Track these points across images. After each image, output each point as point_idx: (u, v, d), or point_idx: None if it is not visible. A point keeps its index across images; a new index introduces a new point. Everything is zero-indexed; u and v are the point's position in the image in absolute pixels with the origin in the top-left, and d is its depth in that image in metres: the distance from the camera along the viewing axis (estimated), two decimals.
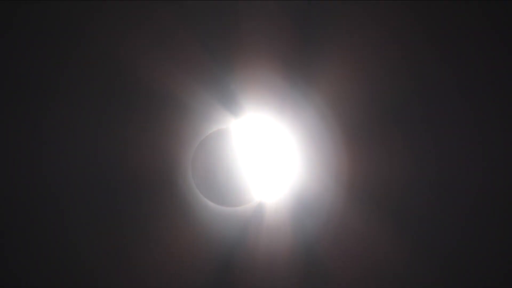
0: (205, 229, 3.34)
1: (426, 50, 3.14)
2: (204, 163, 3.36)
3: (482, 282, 3.21)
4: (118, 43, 3.09)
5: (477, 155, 3.21)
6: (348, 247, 3.28)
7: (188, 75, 3.21)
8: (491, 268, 3.20)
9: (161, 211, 3.31)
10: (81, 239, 3.22)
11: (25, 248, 3.17)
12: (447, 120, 3.21)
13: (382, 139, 3.25)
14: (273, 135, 3.42)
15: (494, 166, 3.18)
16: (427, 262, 3.24)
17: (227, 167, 3.38)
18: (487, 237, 3.20)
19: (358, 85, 3.21)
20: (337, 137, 3.28)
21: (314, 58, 3.20)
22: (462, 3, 2.99)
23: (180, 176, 3.36)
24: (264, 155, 3.40)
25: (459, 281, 3.22)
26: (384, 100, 3.22)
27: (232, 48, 3.19)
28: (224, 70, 3.22)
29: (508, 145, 3.14)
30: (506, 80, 3.08)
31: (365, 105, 3.24)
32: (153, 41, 3.12)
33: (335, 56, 3.18)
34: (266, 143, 3.41)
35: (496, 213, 3.19)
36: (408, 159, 3.24)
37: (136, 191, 3.27)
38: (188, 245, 3.32)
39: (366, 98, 3.23)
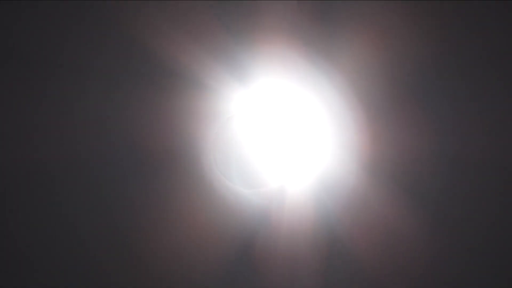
0: (226, 211, 3.34)
1: (449, 29, 3.11)
2: (225, 145, 3.36)
3: (502, 259, 3.20)
4: (136, 22, 3.08)
5: (499, 133, 3.18)
6: (370, 227, 3.26)
7: (208, 55, 3.19)
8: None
9: (181, 192, 3.31)
10: (99, 220, 3.23)
11: (38, 230, 3.18)
12: (470, 99, 3.18)
13: (404, 119, 3.22)
14: (293, 116, 3.40)
15: None
16: (448, 241, 3.22)
17: (248, 150, 3.37)
18: (508, 216, 3.19)
19: (379, 63, 3.18)
20: (358, 117, 3.26)
21: (334, 36, 3.16)
22: None
23: (201, 158, 3.35)
24: (285, 136, 3.39)
25: (479, 259, 3.20)
26: (406, 79, 3.18)
27: (251, 27, 3.16)
28: (243, 49, 3.21)
29: None
30: None
31: (387, 84, 3.21)
32: (172, 21, 3.11)
33: (356, 34, 3.15)
34: (286, 125, 3.39)
35: None
36: (430, 139, 3.22)
37: (155, 172, 3.27)
38: (209, 227, 3.32)
39: (388, 77, 3.19)
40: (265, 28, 3.16)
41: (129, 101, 3.19)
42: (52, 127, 3.13)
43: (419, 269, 3.25)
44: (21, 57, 3.08)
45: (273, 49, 3.21)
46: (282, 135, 3.38)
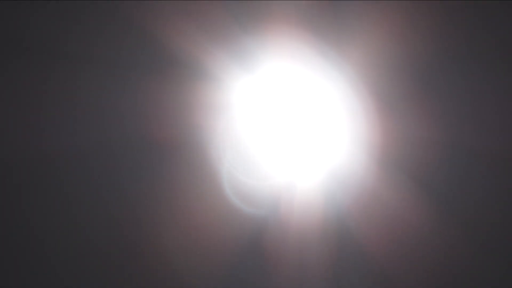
0: (235, 204, 3.33)
1: (461, 22, 3.10)
2: (234, 137, 3.35)
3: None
4: (143, 13, 3.09)
5: None
6: (381, 221, 3.26)
7: (217, 45, 3.18)
8: None
9: (189, 185, 3.30)
10: (103, 213, 3.22)
11: (39, 223, 3.18)
12: (482, 91, 3.17)
13: (415, 111, 3.21)
14: (302, 108, 3.38)
15: None
16: (458, 232, 3.21)
17: (257, 142, 3.37)
18: None
19: (391, 55, 3.17)
20: (369, 109, 3.24)
21: (345, 28, 3.16)
22: None
23: (210, 150, 3.34)
24: (294, 129, 3.37)
25: (491, 251, 3.19)
26: (417, 71, 3.18)
27: (260, 17, 3.16)
28: (253, 40, 3.19)
29: None
30: None
31: (398, 76, 3.20)
32: (180, 11, 3.10)
33: (367, 25, 3.15)
34: (296, 117, 3.37)
35: None
36: (441, 131, 3.21)
37: (162, 164, 3.27)
38: (217, 220, 3.31)
39: (399, 69, 3.18)
40: (277, 19, 3.16)
41: (137, 93, 3.18)
42: (57, 118, 3.14)
43: (431, 262, 3.25)
44: (26, 48, 3.07)
45: (284, 41, 3.20)
46: (291, 127, 3.36)
